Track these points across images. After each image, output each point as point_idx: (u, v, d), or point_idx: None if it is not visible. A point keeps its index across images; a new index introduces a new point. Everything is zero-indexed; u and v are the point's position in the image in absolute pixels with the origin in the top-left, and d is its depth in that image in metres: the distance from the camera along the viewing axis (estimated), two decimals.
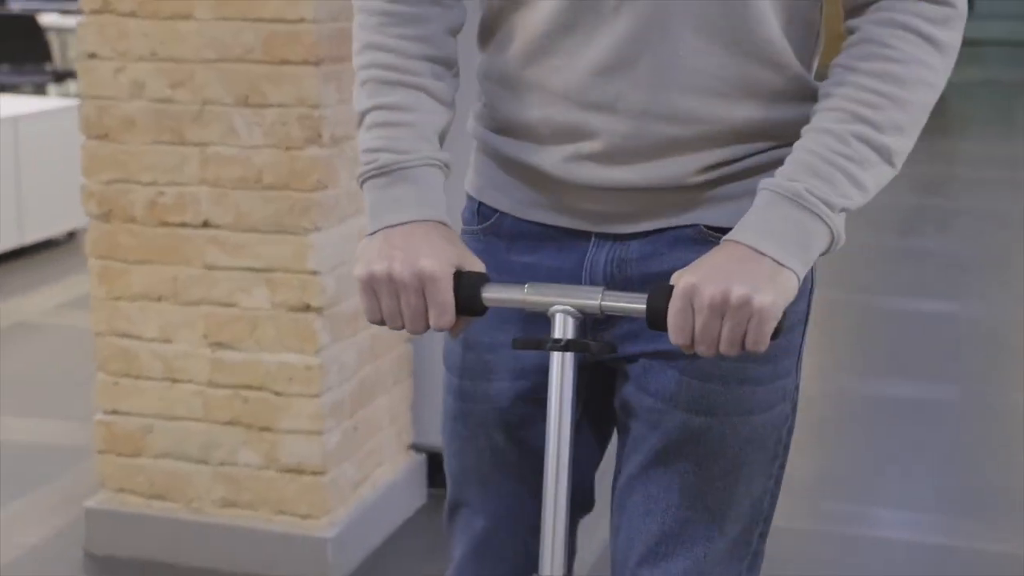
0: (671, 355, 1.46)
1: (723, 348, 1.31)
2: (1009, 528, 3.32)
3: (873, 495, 3.53)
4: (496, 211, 1.53)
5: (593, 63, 1.40)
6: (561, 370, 1.39)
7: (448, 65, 1.47)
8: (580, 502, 1.60)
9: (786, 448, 1.54)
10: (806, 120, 1.40)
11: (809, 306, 1.53)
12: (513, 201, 1.52)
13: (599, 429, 1.61)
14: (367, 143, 1.43)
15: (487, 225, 1.54)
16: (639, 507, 1.52)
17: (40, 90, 8.22)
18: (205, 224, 2.85)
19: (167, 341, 2.92)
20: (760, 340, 1.31)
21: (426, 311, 1.38)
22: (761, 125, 1.42)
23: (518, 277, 1.47)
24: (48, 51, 7.95)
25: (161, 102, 2.82)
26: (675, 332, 1.32)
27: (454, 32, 1.49)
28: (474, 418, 1.58)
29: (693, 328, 1.31)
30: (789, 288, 1.32)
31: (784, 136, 1.42)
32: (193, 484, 2.97)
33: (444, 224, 1.42)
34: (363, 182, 1.43)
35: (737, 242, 1.33)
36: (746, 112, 1.41)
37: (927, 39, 1.35)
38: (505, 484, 1.59)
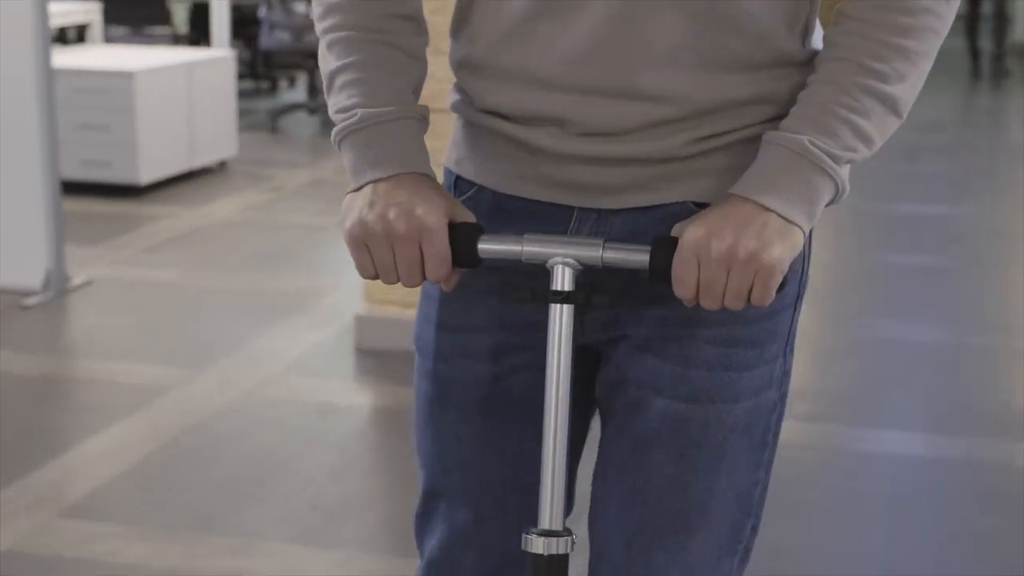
0: (650, 340, 1.43)
1: (728, 301, 1.30)
2: (1009, 327, 4.67)
3: (885, 311, 4.85)
4: (474, 185, 1.47)
5: (570, 50, 1.37)
6: (559, 323, 1.36)
7: (416, 20, 1.43)
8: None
9: (775, 437, 1.50)
10: (797, 91, 1.37)
11: (800, 289, 1.48)
12: (496, 174, 1.46)
13: (580, 417, 1.53)
14: (340, 102, 1.38)
15: (464, 199, 1.47)
16: (619, 498, 1.47)
17: None
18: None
19: None
20: (766, 294, 1.29)
21: (422, 262, 1.34)
22: (750, 98, 1.38)
23: None
24: (168, 16, 9.10)
25: None
26: (679, 284, 1.30)
27: None
28: (453, 401, 1.52)
29: (697, 281, 1.30)
30: (796, 243, 1.30)
31: (777, 107, 1.39)
32: None
33: (430, 177, 1.38)
34: (340, 140, 1.38)
35: (742, 197, 1.31)
36: (733, 88, 1.37)
37: None
38: (489, 471, 1.53)
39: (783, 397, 1.49)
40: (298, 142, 8.38)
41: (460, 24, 1.47)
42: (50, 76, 4.76)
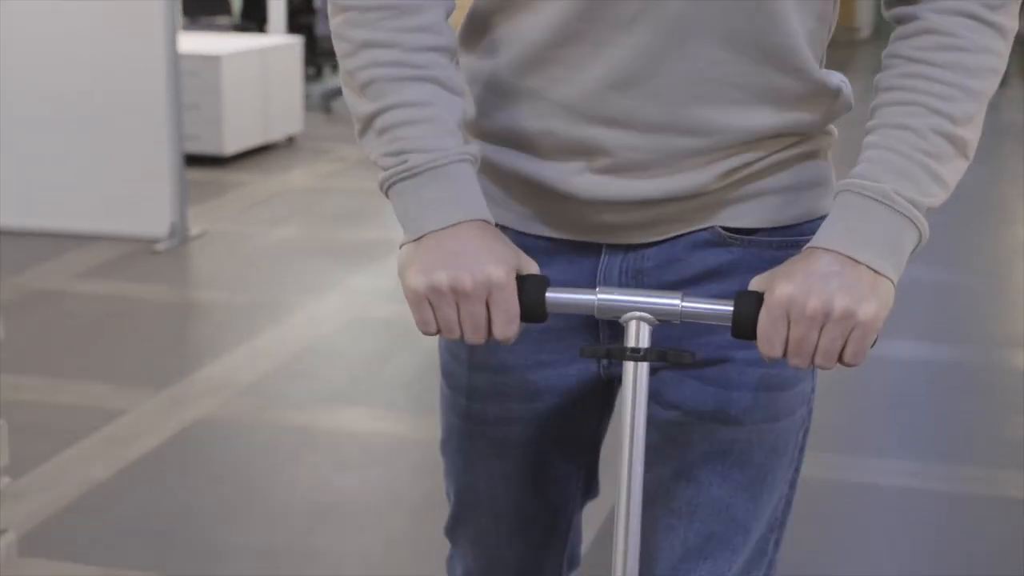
0: (686, 364, 1.40)
1: (819, 360, 1.23)
2: (992, 269, 5.49)
3: None
4: (495, 225, 1.35)
5: (605, 76, 1.30)
6: (634, 381, 1.28)
7: (452, 53, 1.32)
8: (584, 487, 1.59)
9: (802, 451, 1.49)
10: (822, 118, 1.37)
11: None
12: (514, 215, 1.41)
13: (604, 402, 1.54)
14: (385, 147, 1.29)
15: None
16: (660, 522, 1.44)
17: None
18: None
19: None
20: (860, 353, 1.22)
21: (488, 320, 1.25)
22: (782, 129, 1.35)
23: None
24: (230, 6, 9.86)
25: None
26: (766, 343, 1.23)
27: (448, 17, 1.34)
28: (485, 440, 1.53)
29: (786, 339, 1.23)
30: (888, 298, 1.23)
31: (800, 134, 1.37)
32: None
33: (490, 223, 1.28)
34: (389, 187, 1.29)
35: (829, 249, 1.23)
36: (767, 119, 1.33)
37: (991, 25, 1.26)
38: (517, 500, 1.56)
39: (810, 412, 1.49)
40: (351, 122, 9.11)
41: (473, 35, 1.40)
42: (176, 59, 5.56)
